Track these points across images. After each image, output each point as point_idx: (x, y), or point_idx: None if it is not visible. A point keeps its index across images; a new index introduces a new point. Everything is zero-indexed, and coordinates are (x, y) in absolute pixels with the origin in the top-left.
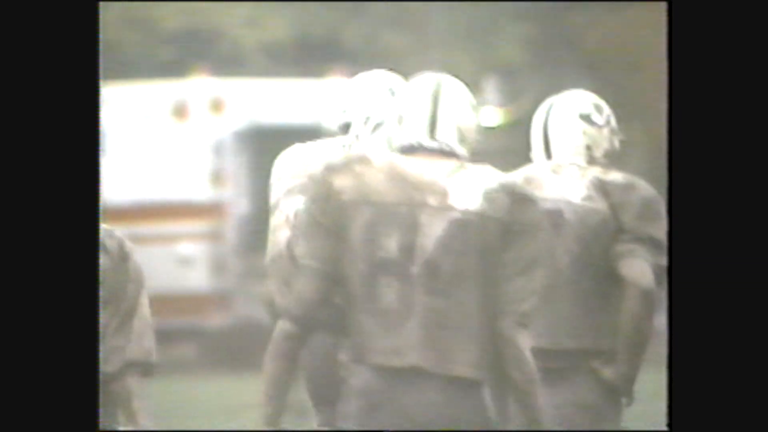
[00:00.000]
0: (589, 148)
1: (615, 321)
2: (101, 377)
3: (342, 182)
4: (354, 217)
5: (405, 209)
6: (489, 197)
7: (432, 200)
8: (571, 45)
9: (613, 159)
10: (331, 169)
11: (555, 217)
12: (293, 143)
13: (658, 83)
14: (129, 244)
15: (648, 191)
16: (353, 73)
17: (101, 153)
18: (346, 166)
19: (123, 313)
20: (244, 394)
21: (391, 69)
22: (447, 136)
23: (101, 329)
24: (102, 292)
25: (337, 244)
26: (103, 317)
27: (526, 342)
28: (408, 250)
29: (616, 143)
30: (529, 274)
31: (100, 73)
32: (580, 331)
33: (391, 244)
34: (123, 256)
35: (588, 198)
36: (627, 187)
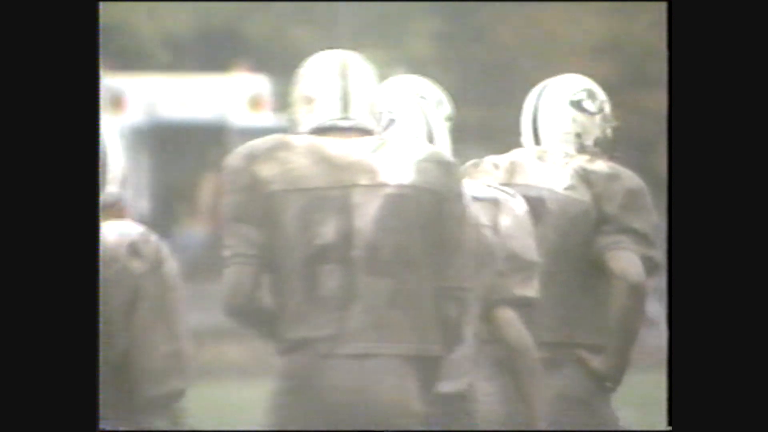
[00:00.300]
0: (579, 135)
1: (596, 312)
2: (142, 400)
3: (267, 171)
4: (285, 207)
5: (337, 192)
6: (419, 168)
7: (363, 179)
8: (481, 40)
9: (605, 147)
10: (252, 158)
11: (537, 205)
12: (195, 140)
13: None
14: (166, 250)
15: (632, 182)
16: (257, 68)
17: (101, 154)
18: (267, 153)
19: (172, 333)
20: None
21: (296, 64)
22: (360, 113)
23: (143, 340)
24: (138, 301)
25: (268, 233)
26: (145, 330)
27: (505, 320)
28: (346, 233)
29: (609, 132)
30: (464, 248)
31: (99, 73)
32: (559, 323)
33: (328, 230)
34: (159, 261)
35: (571, 187)
36: (611, 177)
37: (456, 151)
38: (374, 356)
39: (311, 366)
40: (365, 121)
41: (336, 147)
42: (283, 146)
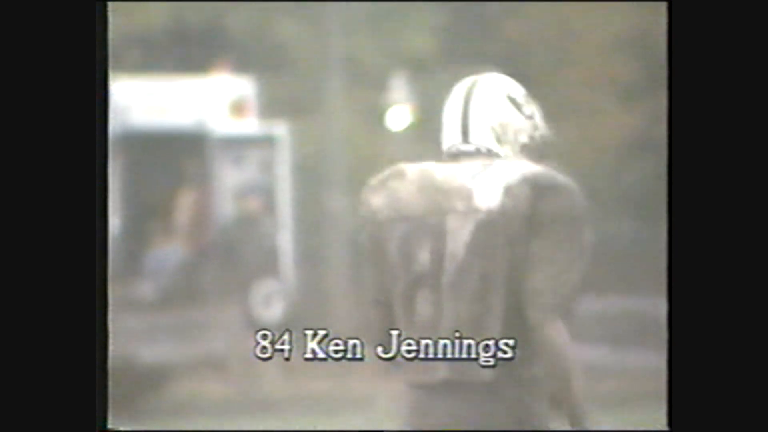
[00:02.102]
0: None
1: None
2: None
3: (378, 201)
4: (390, 235)
5: (435, 219)
6: (510, 192)
7: (459, 205)
8: (488, 35)
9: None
10: (370, 190)
11: None
12: (170, 149)
13: (588, 78)
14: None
15: None
16: (239, 69)
17: (108, 153)
18: (381, 183)
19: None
20: None
21: (282, 63)
22: (481, 138)
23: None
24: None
25: (381, 265)
26: None
27: (558, 334)
28: (439, 259)
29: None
30: (557, 264)
31: (108, 72)
32: None
33: (425, 257)
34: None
35: None
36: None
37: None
38: (456, 384)
39: (406, 395)
40: (487, 144)
41: (443, 173)
42: (397, 176)
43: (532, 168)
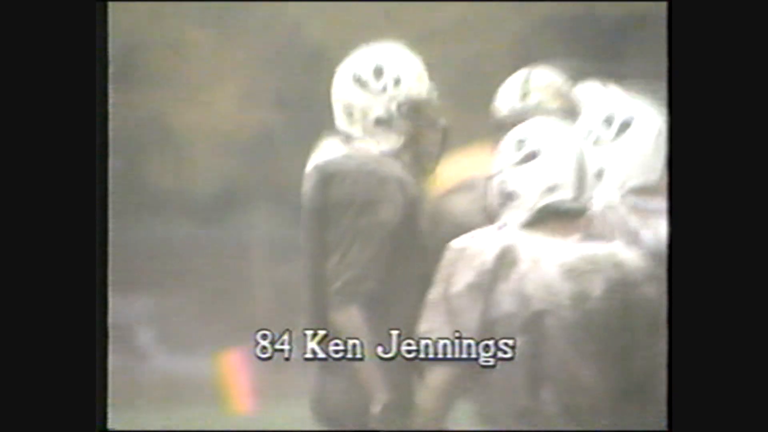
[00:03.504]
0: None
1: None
2: None
3: None
4: None
5: None
6: (307, 179)
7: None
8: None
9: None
10: None
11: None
12: None
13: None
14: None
15: None
16: None
17: (108, 153)
18: None
19: None
20: None
21: None
22: (338, 121)
23: None
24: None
25: None
26: None
27: (347, 319)
28: None
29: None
30: (341, 250)
31: (108, 73)
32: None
33: None
34: None
35: None
36: None
37: None
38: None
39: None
40: (341, 126)
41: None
42: None
43: (328, 155)
